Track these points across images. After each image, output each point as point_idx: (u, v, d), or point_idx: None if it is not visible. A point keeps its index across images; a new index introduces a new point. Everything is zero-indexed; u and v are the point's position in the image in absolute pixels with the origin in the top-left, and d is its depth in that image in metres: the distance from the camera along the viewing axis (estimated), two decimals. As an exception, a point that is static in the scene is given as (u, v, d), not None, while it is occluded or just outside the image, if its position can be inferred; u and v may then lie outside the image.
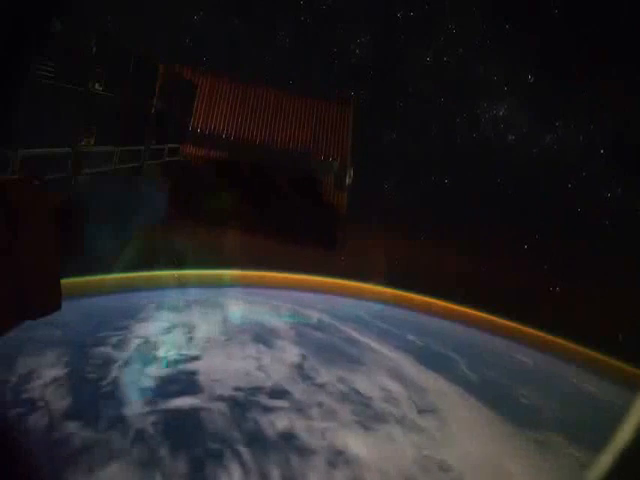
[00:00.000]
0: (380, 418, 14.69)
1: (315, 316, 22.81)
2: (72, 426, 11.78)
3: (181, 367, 15.67)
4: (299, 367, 17.19)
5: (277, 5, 21.43)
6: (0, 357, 13.64)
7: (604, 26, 17.80)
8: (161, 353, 16.36)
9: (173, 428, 12.40)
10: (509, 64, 21.28)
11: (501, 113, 22.29)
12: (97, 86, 4.99)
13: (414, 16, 21.39)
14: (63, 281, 3.87)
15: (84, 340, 16.30)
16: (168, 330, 18.32)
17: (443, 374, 18.73)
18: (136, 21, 16.74)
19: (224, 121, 10.02)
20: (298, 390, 15.45)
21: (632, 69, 17.50)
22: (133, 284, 21.04)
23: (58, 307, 3.82)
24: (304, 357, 18.01)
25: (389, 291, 25.20)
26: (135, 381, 14.31)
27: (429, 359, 19.96)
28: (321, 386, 16.01)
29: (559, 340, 23.83)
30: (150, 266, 20.39)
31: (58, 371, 14.15)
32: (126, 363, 15.35)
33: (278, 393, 15.08)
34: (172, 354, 16.39)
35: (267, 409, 14.02)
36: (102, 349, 15.99)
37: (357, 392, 16.06)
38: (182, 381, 14.80)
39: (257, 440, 12.50)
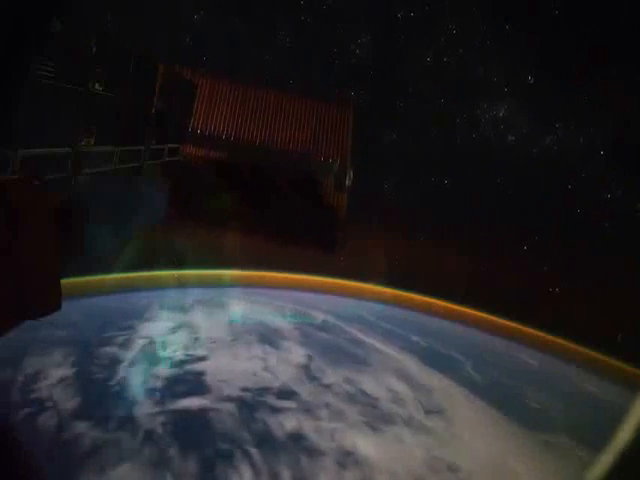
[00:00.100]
0: (388, 419, 14.69)
1: (319, 316, 22.81)
2: (81, 426, 11.76)
3: (188, 367, 15.66)
4: (305, 368, 17.18)
5: (277, 5, 21.45)
6: (6, 357, 13.62)
7: (604, 26, 17.81)
8: (167, 353, 16.37)
9: (182, 428, 12.39)
10: (509, 65, 21.30)
11: (501, 114, 22.31)
12: (97, 86, 4.99)
13: (414, 16, 21.41)
14: (63, 281, 3.87)
15: (89, 340, 16.28)
16: (173, 330, 18.31)
17: (448, 374, 18.72)
18: (136, 21, 16.75)
19: (224, 122, 10.03)
20: (305, 391, 15.46)
21: (632, 69, 17.51)
22: (134, 284, 21.04)
23: (58, 307, 3.82)
24: (310, 358, 18.00)
25: (389, 291, 25.21)
26: (142, 381, 14.31)
27: (434, 359, 19.96)
28: (328, 387, 16.02)
29: (559, 340, 23.84)
30: (150, 266, 20.40)
31: (65, 371, 14.14)
32: (132, 363, 15.34)
33: (285, 394, 15.08)
34: (178, 354, 16.39)
35: (275, 410, 14.02)
36: (108, 349, 15.98)
37: (364, 393, 16.06)
38: (189, 381, 14.80)
39: (266, 441, 12.50)
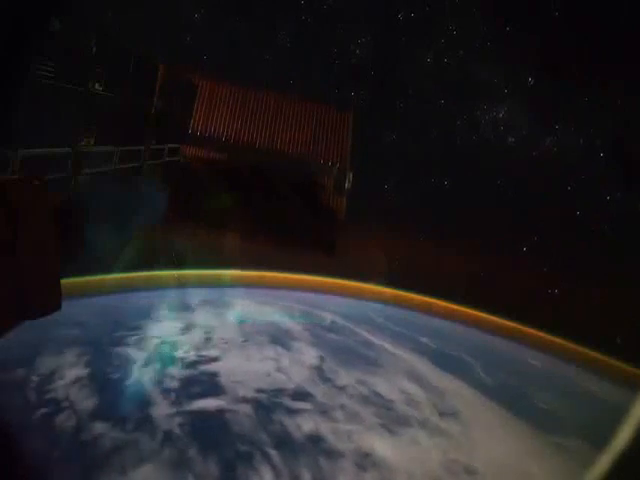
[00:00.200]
0: (403, 421, 14.69)
1: (327, 317, 22.83)
2: (100, 427, 11.75)
3: (201, 368, 15.65)
4: (318, 369, 17.16)
5: (277, 5, 21.46)
6: (19, 357, 13.64)
7: (604, 26, 17.82)
8: (180, 354, 16.38)
9: (200, 430, 12.36)
10: (509, 66, 21.32)
11: (501, 115, 22.32)
12: (97, 86, 4.99)
13: (415, 17, 21.42)
14: (63, 281, 3.87)
15: (101, 340, 16.24)
16: (184, 331, 18.30)
17: (458, 376, 18.71)
18: (136, 21, 16.76)
19: (224, 124, 10.03)
20: (319, 392, 15.45)
21: (632, 69, 17.52)
22: (136, 284, 21.04)
23: (58, 307, 3.82)
24: (322, 359, 17.98)
25: (389, 291, 25.22)
26: (157, 382, 14.32)
27: (444, 361, 19.94)
28: (342, 388, 16.02)
29: (559, 340, 23.86)
30: (151, 266, 20.40)
31: (79, 371, 14.11)
32: (146, 363, 15.30)
33: (300, 395, 15.07)
34: (191, 355, 16.41)
35: (291, 411, 14.01)
36: (120, 349, 15.95)
37: (378, 394, 16.04)
38: (204, 382, 14.76)
39: (285, 442, 12.49)
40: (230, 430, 12.65)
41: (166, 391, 13.91)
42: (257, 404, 14.05)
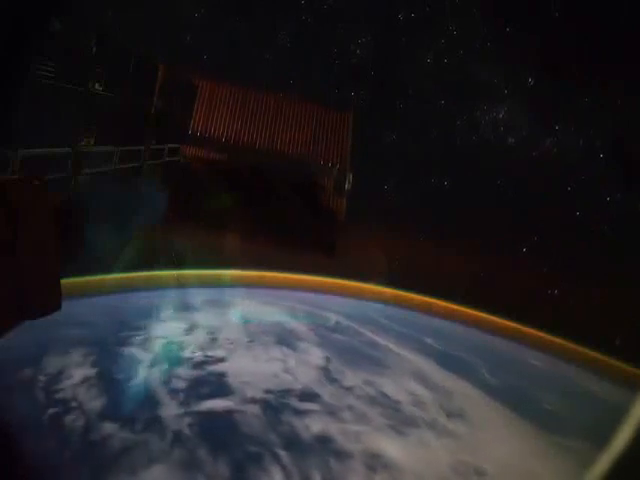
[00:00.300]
0: (411, 422, 14.69)
1: (331, 317, 22.83)
2: (109, 427, 11.75)
3: (209, 368, 15.63)
4: (325, 369, 17.14)
5: (277, 5, 21.45)
6: (26, 357, 13.65)
7: (604, 27, 17.82)
8: (186, 354, 16.38)
9: (209, 430, 12.36)
10: (509, 66, 21.31)
11: (501, 115, 22.31)
12: (97, 86, 4.99)
13: (415, 17, 21.41)
14: (63, 281, 3.87)
15: (106, 340, 16.22)
16: (189, 331, 18.28)
17: (463, 376, 18.71)
18: (136, 21, 16.76)
19: (224, 124, 10.04)
20: (327, 393, 15.44)
21: (632, 69, 17.52)
22: (136, 284, 21.03)
23: (58, 307, 3.82)
24: (328, 359, 17.97)
25: (389, 291, 25.22)
26: (165, 382, 14.32)
27: (448, 361, 19.93)
28: (349, 389, 16.02)
29: (559, 340, 23.86)
30: (154, 266, 20.40)
31: (86, 371, 14.10)
32: (153, 364, 15.27)
33: (308, 396, 15.06)
34: (198, 355, 16.40)
35: (299, 412, 14.01)
36: (126, 349, 15.91)
37: (385, 395, 16.03)
38: (212, 383, 14.74)
39: (294, 443, 12.49)
40: (239, 431, 12.64)
41: (174, 391, 13.90)
42: (265, 405, 14.06)
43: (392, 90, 22.80)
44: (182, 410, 13.01)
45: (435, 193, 24.32)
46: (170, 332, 17.77)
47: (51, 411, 12.06)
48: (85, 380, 13.67)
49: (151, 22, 17.83)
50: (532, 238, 23.69)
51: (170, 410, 12.94)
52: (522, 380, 20.05)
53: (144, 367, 14.98)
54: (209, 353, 16.70)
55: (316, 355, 18.29)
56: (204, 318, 19.68)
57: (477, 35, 20.87)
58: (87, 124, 5.02)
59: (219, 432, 12.49)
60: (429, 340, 22.29)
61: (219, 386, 14.64)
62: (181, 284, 21.51)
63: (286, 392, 15.06)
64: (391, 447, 13.20)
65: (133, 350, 15.95)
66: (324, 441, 12.89)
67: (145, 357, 15.62)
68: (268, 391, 14.87)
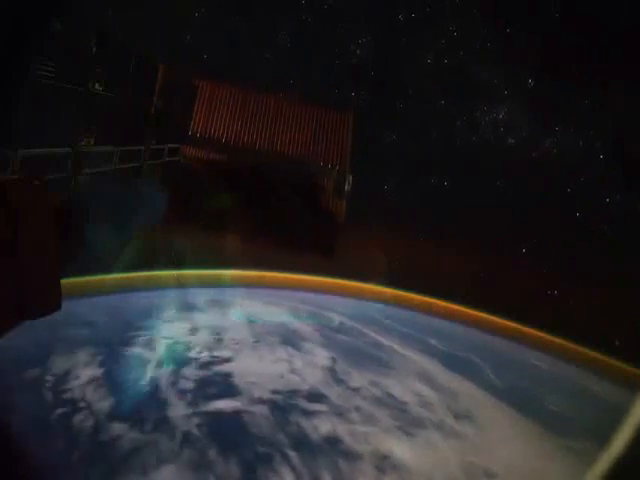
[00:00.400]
0: (418, 423, 14.72)
1: (335, 318, 22.85)
2: (118, 427, 11.77)
3: (215, 369, 15.61)
4: (331, 370, 17.16)
5: (277, 5, 21.46)
6: (33, 357, 13.62)
7: (604, 26, 17.83)
8: (193, 354, 16.38)
9: (218, 431, 12.38)
10: (509, 67, 21.32)
11: (501, 116, 22.32)
12: (97, 86, 4.99)
13: (415, 17, 21.42)
14: (63, 281, 3.87)
15: (112, 340, 16.23)
16: (194, 331, 18.27)
17: (468, 377, 18.72)
18: (136, 21, 16.76)
19: (224, 125, 10.04)
20: (334, 394, 15.47)
21: (632, 70, 17.52)
22: (138, 284, 21.03)
23: (58, 307, 3.82)
24: (334, 360, 17.99)
25: (389, 291, 25.22)
26: (172, 382, 14.33)
27: (452, 362, 19.95)
28: (356, 390, 16.05)
29: (559, 340, 23.86)
30: (154, 266, 20.39)
31: (94, 371, 14.13)
32: (160, 364, 15.30)
33: (315, 396, 15.09)
34: (204, 355, 16.40)
35: (307, 413, 14.03)
36: (132, 349, 15.93)
37: (391, 396, 16.05)
38: (218, 383, 14.76)
39: (303, 444, 12.52)
40: (248, 431, 12.66)
41: (181, 392, 13.91)
42: (273, 405, 14.07)
43: (392, 90, 22.82)
44: (190, 410, 13.03)
45: (435, 193, 24.34)
46: (175, 332, 17.79)
47: (59, 411, 12.07)
48: (93, 380, 13.69)
49: (151, 22, 17.84)
50: (532, 238, 23.71)
51: (178, 410, 12.96)
52: (525, 380, 20.07)
53: (151, 367, 15.01)
54: (215, 353, 16.72)
55: (322, 356, 18.31)
56: (208, 318, 19.70)
57: (477, 35, 20.89)
58: (87, 124, 5.02)
59: (228, 432, 12.51)
60: (433, 341, 22.29)
61: (226, 386, 14.67)
62: (181, 284, 21.51)
63: (293, 393, 15.08)
64: (400, 448, 13.22)
65: (139, 350, 15.98)
66: (333, 442, 12.92)
67: (152, 357, 15.66)
68: (275, 392, 14.89)
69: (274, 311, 22.09)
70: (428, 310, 25.82)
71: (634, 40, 16.99)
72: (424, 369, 18.93)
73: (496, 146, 22.70)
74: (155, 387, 13.95)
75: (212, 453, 11.48)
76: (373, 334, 21.65)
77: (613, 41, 17.79)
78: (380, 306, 25.02)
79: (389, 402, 15.69)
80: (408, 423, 14.60)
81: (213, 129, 9.97)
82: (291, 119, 10.20)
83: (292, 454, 11.99)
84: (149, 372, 14.70)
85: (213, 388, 14.43)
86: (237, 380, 15.10)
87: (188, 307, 20.19)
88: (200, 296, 21.43)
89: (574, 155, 21.87)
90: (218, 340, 17.83)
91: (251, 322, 20.17)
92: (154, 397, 13.46)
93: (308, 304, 23.85)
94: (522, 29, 19.76)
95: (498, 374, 19.67)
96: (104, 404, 12.65)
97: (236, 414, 13.29)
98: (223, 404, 13.70)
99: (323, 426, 13.51)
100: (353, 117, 10.43)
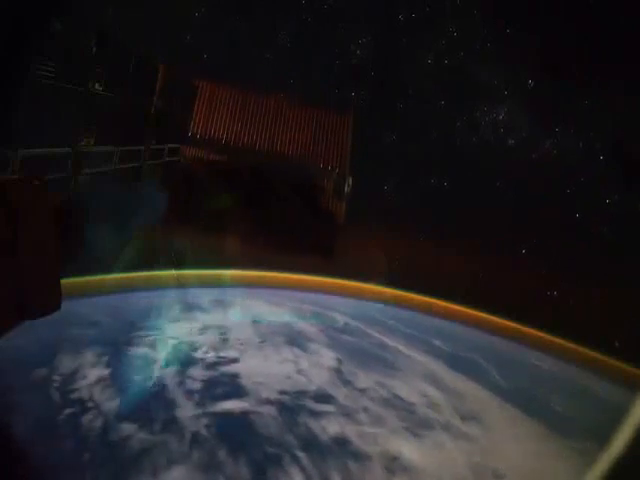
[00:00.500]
0: (426, 424, 14.74)
1: (339, 318, 22.83)
2: (127, 428, 11.78)
3: (222, 369, 15.60)
4: (337, 371, 17.18)
5: (277, 5, 21.46)
6: (39, 357, 13.63)
7: (604, 26, 17.82)
8: (199, 354, 16.36)
9: (227, 431, 12.40)
10: (509, 67, 21.31)
11: (501, 116, 22.31)
12: (97, 86, 4.99)
13: (415, 17, 21.42)
14: (63, 281, 3.87)
15: (118, 340, 16.23)
16: (200, 331, 18.24)
17: (472, 377, 18.72)
18: (136, 20, 16.76)
19: (224, 126, 10.04)
20: (341, 395, 15.49)
21: (632, 69, 17.52)
22: (139, 285, 21.01)
23: (58, 307, 3.82)
24: (340, 361, 17.98)
25: (389, 291, 25.21)
26: (179, 382, 14.32)
27: (457, 362, 19.97)
28: (362, 391, 16.06)
29: (559, 340, 23.85)
30: (155, 266, 20.38)
31: (101, 371, 14.15)
32: (167, 364, 15.31)
33: (323, 397, 15.11)
34: (210, 356, 16.36)
35: (315, 413, 14.04)
36: (138, 349, 15.93)
37: (398, 397, 16.07)
38: (226, 384, 14.77)
39: (312, 445, 12.53)
40: (256, 432, 12.67)
41: (189, 392, 13.91)
42: (281, 406, 14.09)
43: (392, 90, 22.81)
44: (199, 411, 13.04)
45: (435, 193, 24.33)
46: (180, 332, 17.77)
47: (68, 411, 12.07)
48: (100, 380, 13.70)
49: (151, 22, 17.83)
50: (532, 239, 23.70)
51: (187, 411, 12.96)
52: (528, 381, 20.06)
53: (157, 368, 15.02)
54: (221, 354, 16.72)
55: (327, 356, 18.31)
56: (212, 318, 19.68)
57: (477, 36, 20.88)
58: (87, 124, 5.02)
59: (237, 433, 12.52)
60: (436, 342, 22.26)
61: (233, 387, 14.68)
62: (181, 284, 21.49)
63: (301, 393, 15.09)
64: (408, 449, 13.24)
65: (145, 350, 15.98)
66: (342, 443, 12.93)
67: (158, 357, 15.67)
68: (283, 392, 14.89)
69: (277, 311, 22.08)
70: (428, 310, 25.81)
71: (634, 40, 16.99)
72: (429, 370, 18.93)
73: (496, 146, 22.69)
74: (162, 387, 13.95)
75: (222, 454, 11.48)
76: (377, 335, 21.64)
77: (613, 41, 17.79)
78: (380, 306, 25.02)
79: (396, 403, 15.70)
80: (416, 424, 14.61)
81: (213, 129, 9.97)
82: (291, 120, 10.19)
83: (301, 455, 12.00)
84: (156, 372, 14.72)
85: (220, 388, 14.44)
86: (244, 381, 15.11)
87: (191, 307, 20.17)
88: (203, 296, 21.41)
89: (574, 156, 21.86)
90: (224, 340, 17.81)
91: (256, 322, 20.15)
92: (162, 397, 13.46)
93: (311, 304, 23.85)
94: (522, 29, 19.76)
95: (502, 374, 19.67)
96: (112, 404, 12.66)
97: (244, 415, 13.29)
98: (231, 404, 13.71)
99: (331, 427, 13.52)
100: (353, 117, 10.43)
